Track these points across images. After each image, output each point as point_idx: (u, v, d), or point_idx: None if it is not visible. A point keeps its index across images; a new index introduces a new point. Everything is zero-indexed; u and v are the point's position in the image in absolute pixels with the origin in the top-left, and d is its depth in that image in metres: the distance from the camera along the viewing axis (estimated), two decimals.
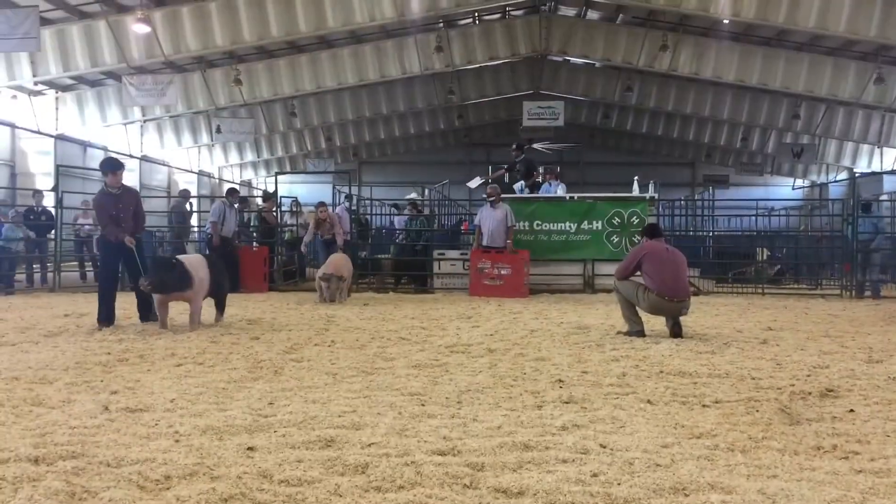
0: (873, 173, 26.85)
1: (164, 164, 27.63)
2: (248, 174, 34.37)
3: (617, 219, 14.40)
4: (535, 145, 29.91)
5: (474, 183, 18.73)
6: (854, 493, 3.05)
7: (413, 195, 20.37)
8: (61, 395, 4.82)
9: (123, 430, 3.97)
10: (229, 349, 6.83)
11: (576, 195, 15.81)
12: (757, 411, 4.48)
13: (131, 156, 24.80)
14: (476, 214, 14.58)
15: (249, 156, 31.86)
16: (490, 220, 13.57)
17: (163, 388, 5.08)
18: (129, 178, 24.34)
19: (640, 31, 22.51)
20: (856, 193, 16.07)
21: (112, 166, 8.86)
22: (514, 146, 16.33)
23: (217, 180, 31.32)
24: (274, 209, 16.74)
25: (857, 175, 27.43)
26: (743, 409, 4.54)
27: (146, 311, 8.84)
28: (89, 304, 11.25)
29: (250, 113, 26.21)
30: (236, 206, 15.19)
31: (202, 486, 3.03)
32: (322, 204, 14.27)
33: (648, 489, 3.07)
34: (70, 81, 22.26)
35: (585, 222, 14.51)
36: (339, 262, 12.20)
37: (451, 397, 4.89)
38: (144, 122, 25.67)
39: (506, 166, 16.53)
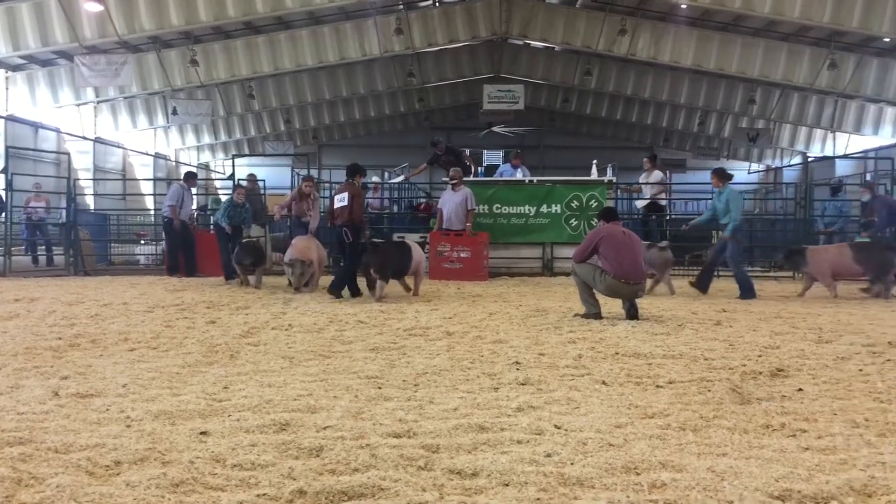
0: (825, 157, 27.35)
1: (118, 147, 27.07)
2: (206, 157, 33.85)
3: (576, 202, 14.50)
4: (496, 128, 29.98)
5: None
6: (801, 470, 3.11)
7: (375, 179, 20.23)
8: (10, 380, 4.73)
9: (73, 415, 3.91)
10: (184, 333, 6.75)
11: (535, 179, 15.86)
12: (709, 391, 4.55)
13: (84, 138, 24.27)
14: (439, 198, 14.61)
15: (207, 138, 31.36)
16: (450, 203, 13.58)
17: (115, 373, 5.01)
18: (83, 161, 23.87)
19: (600, 16, 22.58)
20: (808, 178, 16.36)
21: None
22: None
23: (174, 163, 30.80)
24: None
25: (810, 159, 27.94)
26: (695, 389, 4.61)
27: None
28: (40, 289, 11.06)
29: (207, 94, 25.78)
30: (193, 189, 14.94)
31: (153, 472, 3.00)
32: (309, 178, 13.24)
33: (601, 468, 3.11)
34: (20, 61, 21.66)
35: (545, 206, 14.59)
36: (305, 245, 11.06)
37: (407, 380, 4.89)
38: (98, 103, 25.06)
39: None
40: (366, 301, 9.78)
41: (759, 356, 5.75)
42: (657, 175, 15.57)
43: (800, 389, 4.64)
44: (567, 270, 11.70)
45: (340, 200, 10.45)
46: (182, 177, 15.23)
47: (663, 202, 15.97)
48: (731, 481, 2.94)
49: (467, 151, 18.74)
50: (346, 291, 10.28)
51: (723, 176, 11.28)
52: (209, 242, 14.23)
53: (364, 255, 10.12)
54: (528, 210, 14.61)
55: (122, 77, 20.36)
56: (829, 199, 16.18)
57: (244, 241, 12.22)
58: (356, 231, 10.40)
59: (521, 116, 26.92)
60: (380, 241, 11.68)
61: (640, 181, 15.79)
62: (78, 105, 24.12)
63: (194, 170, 20.06)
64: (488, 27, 23.92)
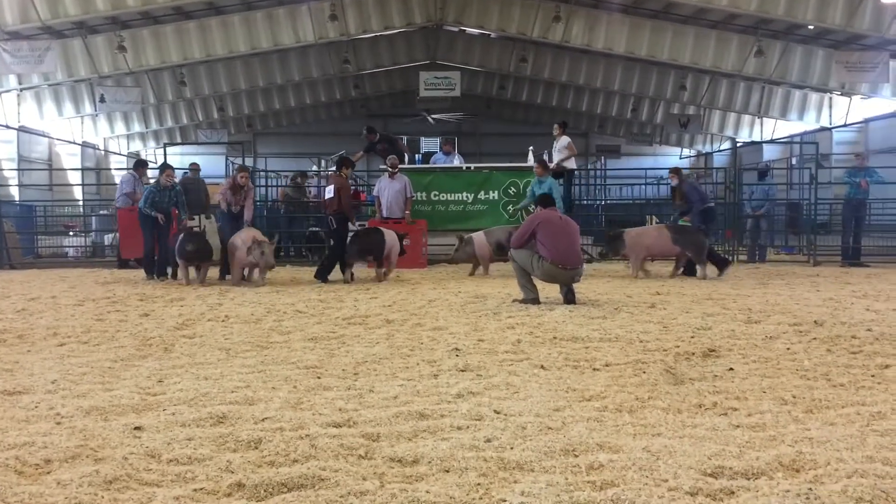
0: (753, 143, 28.07)
1: (44, 136, 26.18)
2: (136, 146, 32.98)
3: (513, 189, 14.60)
4: (434, 115, 29.94)
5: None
6: (732, 447, 3.20)
7: (313, 168, 19.97)
8: None
9: (0, 413, 3.78)
10: (116, 327, 6.59)
11: (472, 165, 15.91)
12: (644, 373, 4.64)
13: (8, 126, 23.40)
14: (374, 186, 14.53)
15: (137, 126, 30.52)
16: (389, 190, 13.53)
17: (44, 368, 4.86)
18: (7, 151, 23.05)
19: (534, 3, 22.68)
20: (737, 162, 16.76)
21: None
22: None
23: (103, 152, 29.94)
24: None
25: (738, 144, 28.65)
26: (631, 371, 4.70)
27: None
28: None
29: (136, 81, 25.09)
30: (141, 178, 14.43)
31: (85, 469, 2.92)
32: (244, 168, 12.62)
33: (540, 452, 3.14)
34: None
35: (482, 192, 14.67)
36: (254, 231, 10.82)
37: (347, 369, 4.87)
38: (21, 90, 24.20)
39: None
40: (308, 289, 9.68)
41: (692, 337, 5.89)
42: (564, 140, 15.66)
43: (731, 369, 4.77)
44: (505, 257, 11.79)
45: (328, 193, 11.19)
46: (132, 166, 14.76)
47: (571, 166, 16.02)
48: (666, 460, 3.01)
49: (404, 139, 18.64)
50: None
51: (545, 165, 12.93)
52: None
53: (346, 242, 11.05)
54: (466, 197, 14.67)
55: (45, 64, 19.69)
56: (757, 183, 16.61)
57: (191, 230, 11.33)
58: (342, 220, 11.12)
59: (457, 103, 26.92)
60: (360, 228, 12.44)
61: (553, 146, 15.86)
62: (0, 93, 23.25)
63: (145, 159, 19.33)
64: (423, 13, 23.84)
